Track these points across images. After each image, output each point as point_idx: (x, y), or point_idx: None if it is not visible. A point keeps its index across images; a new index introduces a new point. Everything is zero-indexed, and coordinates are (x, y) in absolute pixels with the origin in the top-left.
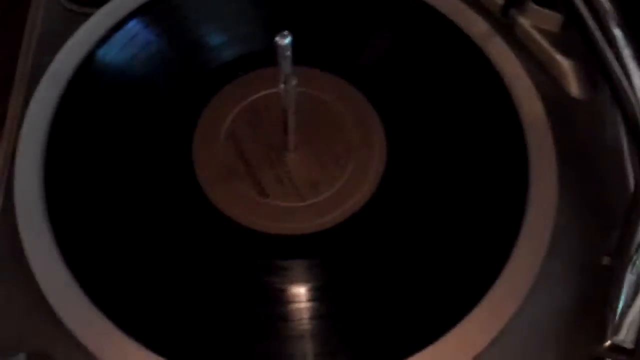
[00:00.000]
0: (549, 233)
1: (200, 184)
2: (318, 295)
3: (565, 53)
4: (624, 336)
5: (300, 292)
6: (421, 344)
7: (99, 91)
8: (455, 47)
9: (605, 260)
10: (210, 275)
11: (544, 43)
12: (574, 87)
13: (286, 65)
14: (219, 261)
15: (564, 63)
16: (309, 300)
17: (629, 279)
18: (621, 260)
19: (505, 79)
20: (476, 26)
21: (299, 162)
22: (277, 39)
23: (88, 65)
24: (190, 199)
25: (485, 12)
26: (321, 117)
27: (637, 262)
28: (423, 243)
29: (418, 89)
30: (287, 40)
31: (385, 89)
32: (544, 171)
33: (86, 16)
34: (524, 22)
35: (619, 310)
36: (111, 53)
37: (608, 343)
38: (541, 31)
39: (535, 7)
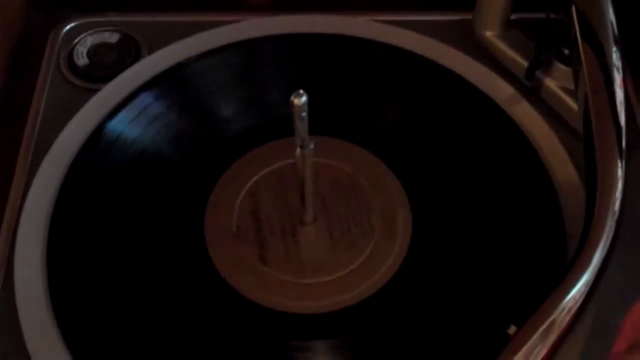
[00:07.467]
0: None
1: (212, 261)
2: None
3: None
4: None
5: None
6: None
7: (107, 165)
8: (480, 112)
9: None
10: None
11: (574, 104)
12: None
13: (302, 128)
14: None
15: None
16: None
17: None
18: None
19: (534, 143)
20: (501, 90)
21: (313, 236)
22: (293, 98)
23: (96, 138)
24: (204, 280)
25: (507, 76)
26: (342, 189)
27: None
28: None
29: (444, 158)
30: (303, 100)
31: (409, 159)
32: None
33: (93, 92)
34: (551, 83)
35: None
36: (121, 126)
37: None
38: (570, 92)
39: (563, 66)
